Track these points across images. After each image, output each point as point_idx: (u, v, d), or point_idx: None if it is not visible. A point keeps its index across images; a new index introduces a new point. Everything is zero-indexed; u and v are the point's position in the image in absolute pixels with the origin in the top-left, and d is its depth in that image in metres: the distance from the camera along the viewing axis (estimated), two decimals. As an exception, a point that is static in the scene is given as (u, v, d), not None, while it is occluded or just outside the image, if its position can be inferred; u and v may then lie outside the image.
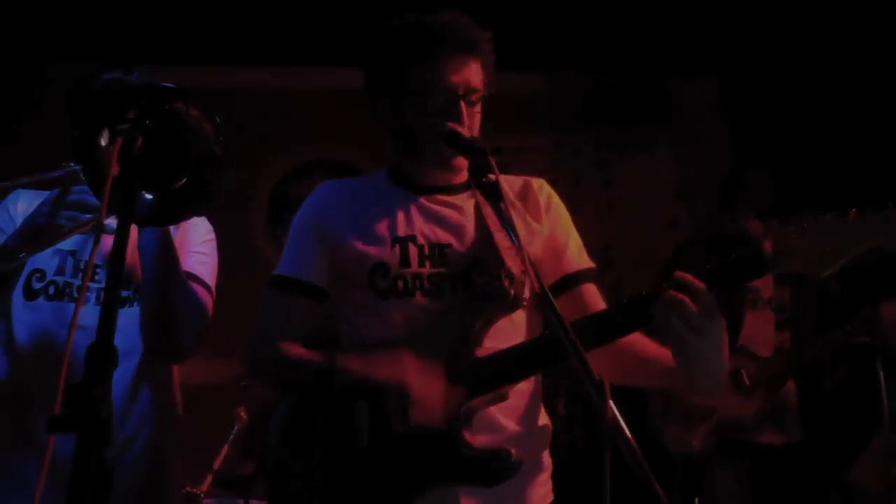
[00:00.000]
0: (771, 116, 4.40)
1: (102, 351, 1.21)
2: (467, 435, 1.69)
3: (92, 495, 1.17)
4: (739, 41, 4.35)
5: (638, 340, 1.79)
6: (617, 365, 1.74)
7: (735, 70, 4.59)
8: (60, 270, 2.13)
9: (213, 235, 2.26)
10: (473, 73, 1.83)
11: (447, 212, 1.89)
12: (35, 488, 1.39)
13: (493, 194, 1.69)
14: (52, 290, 2.12)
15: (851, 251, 1.55)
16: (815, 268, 1.58)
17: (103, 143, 1.66)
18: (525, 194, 1.94)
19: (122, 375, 2.09)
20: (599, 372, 1.38)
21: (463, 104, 1.81)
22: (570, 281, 1.90)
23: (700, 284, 1.61)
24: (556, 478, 1.90)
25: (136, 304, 2.12)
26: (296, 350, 1.82)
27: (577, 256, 1.93)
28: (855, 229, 1.54)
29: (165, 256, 2.00)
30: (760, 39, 4.31)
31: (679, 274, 1.63)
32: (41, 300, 2.11)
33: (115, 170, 1.41)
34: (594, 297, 1.91)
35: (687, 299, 1.60)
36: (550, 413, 1.96)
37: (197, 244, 2.20)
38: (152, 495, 2.15)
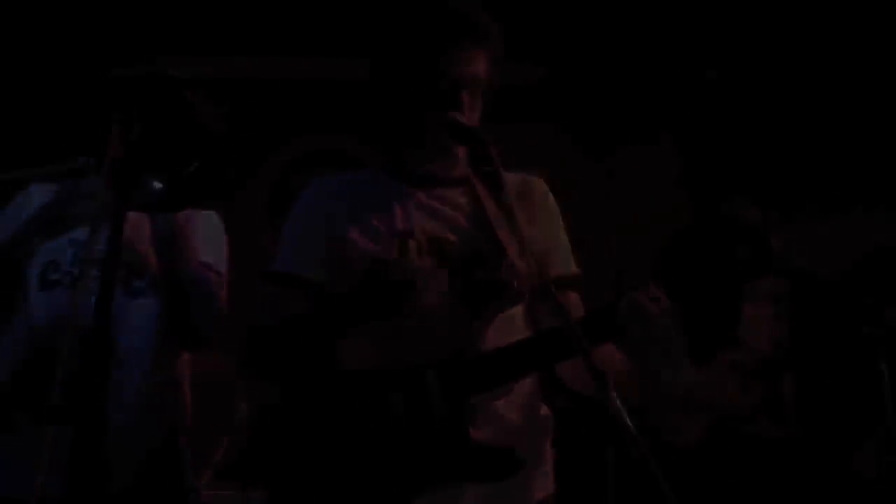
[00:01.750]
0: (770, 108, 4.40)
1: (98, 342, 1.20)
2: (471, 430, 1.69)
3: (89, 485, 1.16)
4: (741, 33, 4.34)
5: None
6: (575, 373, 1.75)
7: (736, 62, 4.58)
8: (76, 261, 2.14)
9: (221, 224, 2.31)
10: (480, 64, 1.82)
11: (445, 206, 1.89)
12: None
13: (495, 185, 1.68)
14: (68, 280, 2.12)
15: (858, 250, 1.55)
16: (823, 266, 1.58)
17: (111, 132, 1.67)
18: (523, 192, 1.93)
19: (138, 364, 2.12)
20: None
21: (467, 94, 1.80)
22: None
23: (664, 299, 1.62)
24: (559, 470, 1.90)
25: (151, 295, 2.14)
26: (296, 345, 1.82)
27: (564, 262, 1.93)
28: (862, 228, 1.54)
29: (178, 245, 2.02)
30: (760, 32, 4.30)
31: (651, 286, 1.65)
32: (59, 291, 2.11)
33: (116, 157, 1.42)
34: (574, 306, 1.89)
35: (651, 312, 1.62)
36: (551, 406, 1.95)
37: (207, 234, 2.24)
38: (170, 481, 2.17)
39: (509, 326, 1.80)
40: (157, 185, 1.66)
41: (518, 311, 1.85)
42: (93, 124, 1.70)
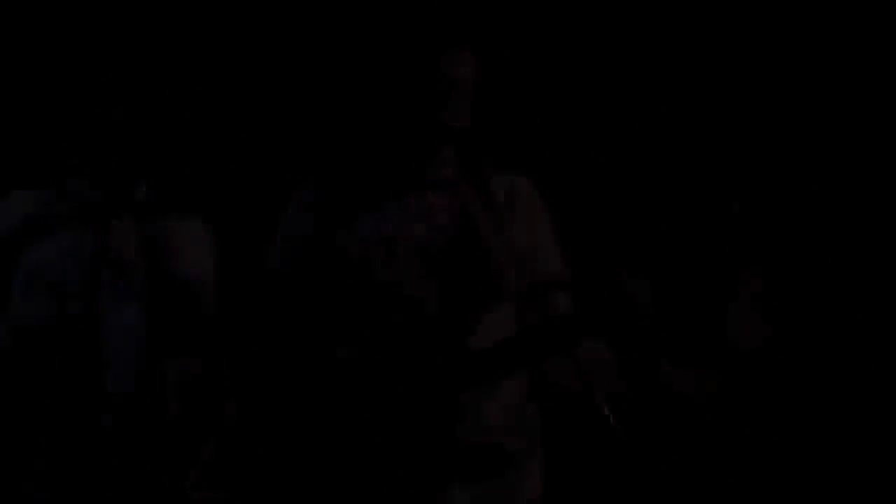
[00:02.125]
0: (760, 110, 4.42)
1: (83, 347, 1.21)
2: (458, 430, 1.70)
3: (79, 489, 1.17)
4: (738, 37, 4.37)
5: None
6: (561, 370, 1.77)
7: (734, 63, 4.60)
8: (62, 265, 2.14)
9: (208, 229, 2.29)
10: (466, 64, 1.83)
11: (433, 208, 1.89)
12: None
13: (483, 186, 1.69)
14: (54, 285, 2.12)
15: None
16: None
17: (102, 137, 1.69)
18: (511, 193, 1.94)
19: (123, 368, 2.11)
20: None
21: (456, 95, 1.81)
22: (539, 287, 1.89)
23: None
24: (547, 470, 1.91)
25: (137, 300, 2.14)
26: (286, 347, 1.83)
27: (552, 262, 1.94)
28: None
29: (165, 250, 2.03)
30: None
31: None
32: (43, 295, 2.11)
33: (105, 159, 1.43)
34: (562, 307, 1.89)
35: (645, 301, 1.65)
36: (539, 406, 1.96)
37: (194, 239, 2.22)
38: (158, 485, 2.18)
39: (496, 328, 1.81)
40: (146, 188, 1.67)
41: (506, 312, 1.87)
42: (84, 126, 1.70)
